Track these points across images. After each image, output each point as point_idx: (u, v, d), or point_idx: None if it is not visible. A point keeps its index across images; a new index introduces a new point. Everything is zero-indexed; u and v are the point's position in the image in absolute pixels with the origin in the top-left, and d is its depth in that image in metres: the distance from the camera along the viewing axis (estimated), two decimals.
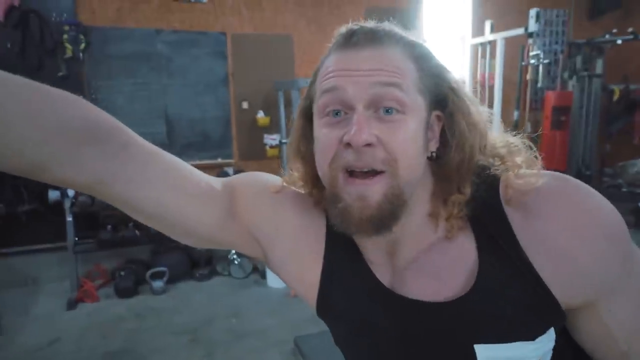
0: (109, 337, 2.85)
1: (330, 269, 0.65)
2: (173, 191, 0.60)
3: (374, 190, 0.52)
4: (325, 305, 0.66)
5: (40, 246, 3.68)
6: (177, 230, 0.64)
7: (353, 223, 0.53)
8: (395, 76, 0.52)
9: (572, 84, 4.93)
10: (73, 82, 3.68)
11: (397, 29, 0.58)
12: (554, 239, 0.52)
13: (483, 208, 0.56)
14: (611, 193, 4.99)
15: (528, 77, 4.90)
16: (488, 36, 4.29)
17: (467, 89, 0.60)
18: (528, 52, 4.72)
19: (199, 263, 3.77)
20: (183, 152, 4.09)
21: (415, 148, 0.54)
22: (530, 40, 4.58)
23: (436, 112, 0.58)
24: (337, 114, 0.54)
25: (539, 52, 4.62)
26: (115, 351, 2.70)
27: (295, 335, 2.61)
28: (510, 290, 0.53)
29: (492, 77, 4.35)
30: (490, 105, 4.31)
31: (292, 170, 0.68)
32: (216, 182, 0.67)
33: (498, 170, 0.58)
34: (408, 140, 0.53)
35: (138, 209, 0.59)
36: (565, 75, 5.07)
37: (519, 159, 0.58)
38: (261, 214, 0.66)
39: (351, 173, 0.53)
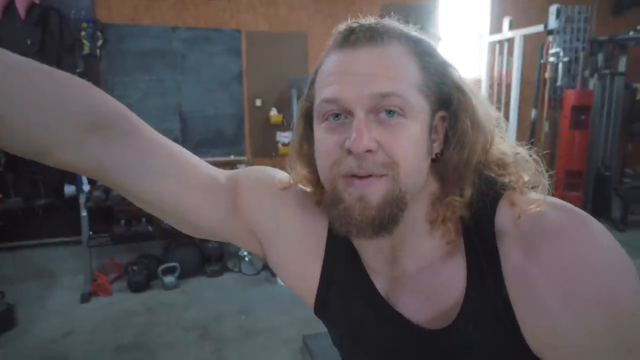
0: (121, 331, 2.89)
1: (329, 273, 0.64)
2: (172, 182, 0.59)
3: (374, 192, 0.51)
4: (323, 308, 0.65)
5: (55, 240, 3.75)
6: (178, 221, 0.64)
7: (354, 225, 0.52)
8: (393, 84, 0.50)
9: (593, 82, 4.80)
10: (90, 78, 3.53)
11: (399, 25, 0.55)
12: (540, 291, 0.48)
13: (478, 229, 0.54)
14: (632, 195, 4.86)
15: (547, 75, 4.79)
16: (506, 33, 4.20)
17: (473, 85, 0.57)
18: (547, 49, 4.61)
19: (210, 259, 3.79)
20: (196, 148, 4.12)
21: (417, 152, 0.52)
22: (549, 38, 4.47)
23: (441, 113, 0.55)
24: (337, 116, 0.53)
25: (558, 49, 4.51)
26: (127, 344, 2.74)
27: (304, 334, 2.61)
28: (488, 331, 0.52)
29: (509, 75, 4.27)
30: (507, 104, 4.23)
31: (291, 169, 0.66)
32: (220, 174, 0.66)
33: (503, 187, 0.54)
34: (409, 144, 0.51)
35: (138, 198, 0.59)
36: (586, 73, 4.94)
37: (525, 176, 0.55)
38: (263, 211, 0.65)
39: (352, 175, 0.52)
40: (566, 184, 4.82)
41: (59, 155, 0.51)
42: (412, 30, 0.56)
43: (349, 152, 0.50)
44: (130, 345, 2.74)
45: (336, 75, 0.52)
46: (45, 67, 0.50)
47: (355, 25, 0.54)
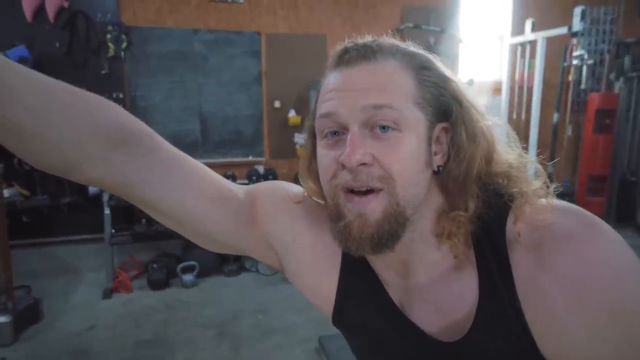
0: (141, 327, 2.96)
1: (345, 284, 0.65)
2: (195, 195, 0.61)
3: (373, 208, 0.52)
4: (340, 319, 0.67)
5: (79, 237, 3.86)
6: (196, 234, 0.66)
7: (352, 241, 0.53)
8: (386, 96, 0.51)
9: (618, 85, 4.68)
10: (115, 80, 3.84)
11: (395, 42, 0.57)
12: (552, 299, 0.48)
13: (488, 240, 0.54)
14: None
15: (570, 78, 4.69)
16: (528, 35, 4.14)
17: (473, 96, 0.57)
18: (571, 52, 4.52)
19: (228, 259, 3.84)
20: (216, 149, 4.18)
21: (414, 165, 0.53)
22: (574, 40, 4.38)
23: (442, 125, 0.55)
24: (334, 133, 0.54)
25: (583, 52, 4.41)
26: (146, 340, 2.80)
27: (319, 335, 2.62)
28: (502, 342, 0.52)
29: (531, 77, 4.20)
30: (529, 107, 4.17)
31: (303, 184, 0.68)
32: (238, 189, 0.68)
33: (510, 198, 0.54)
34: (405, 157, 0.52)
35: (161, 212, 0.61)
36: (612, 76, 4.82)
37: (531, 186, 0.55)
38: (280, 224, 0.67)
39: (351, 191, 0.53)
40: (589, 189, 4.71)
41: (87, 170, 0.53)
42: (410, 46, 0.57)
43: (344, 166, 0.51)
44: (149, 341, 2.80)
45: (332, 93, 0.54)
46: (76, 88, 0.52)
47: (350, 44, 0.56)
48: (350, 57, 0.54)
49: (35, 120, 0.48)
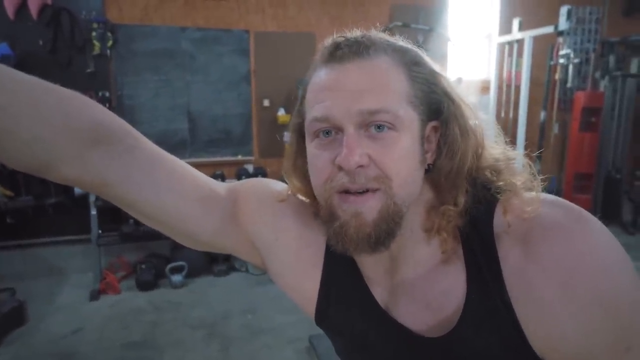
0: (129, 329, 2.92)
1: (328, 284, 0.64)
2: (175, 195, 0.60)
3: (369, 207, 0.51)
4: (323, 319, 0.66)
5: (65, 238, 3.80)
6: (178, 233, 0.64)
7: (349, 242, 0.52)
8: (381, 99, 0.50)
9: (604, 84, 4.75)
10: (100, 78, 3.78)
11: (385, 37, 0.56)
12: (540, 290, 0.48)
13: (476, 234, 0.54)
14: None
15: (557, 76, 4.75)
16: (516, 34, 4.17)
17: (462, 92, 0.57)
18: (557, 51, 4.57)
19: (217, 259, 3.81)
20: (204, 148, 4.15)
21: (409, 164, 0.52)
22: (560, 39, 4.44)
23: (432, 124, 0.55)
24: (327, 133, 0.53)
25: (569, 51, 4.47)
26: (135, 342, 2.76)
27: (310, 334, 2.62)
28: (490, 335, 0.52)
29: (518, 76, 4.24)
30: (516, 106, 4.20)
31: (288, 181, 0.67)
32: (220, 187, 0.67)
33: (498, 191, 0.54)
34: (401, 156, 0.51)
35: (142, 212, 0.60)
36: (597, 75, 4.89)
37: (518, 179, 0.55)
38: (262, 223, 0.66)
39: (346, 191, 0.52)
40: (575, 187, 4.79)
41: (63, 170, 0.52)
42: (399, 41, 0.56)
43: (340, 168, 0.50)
44: (138, 342, 2.76)
45: (325, 92, 0.52)
46: (49, 84, 0.50)
47: (340, 39, 0.54)
48: (343, 53, 0.52)
49: (1, 117, 0.45)
